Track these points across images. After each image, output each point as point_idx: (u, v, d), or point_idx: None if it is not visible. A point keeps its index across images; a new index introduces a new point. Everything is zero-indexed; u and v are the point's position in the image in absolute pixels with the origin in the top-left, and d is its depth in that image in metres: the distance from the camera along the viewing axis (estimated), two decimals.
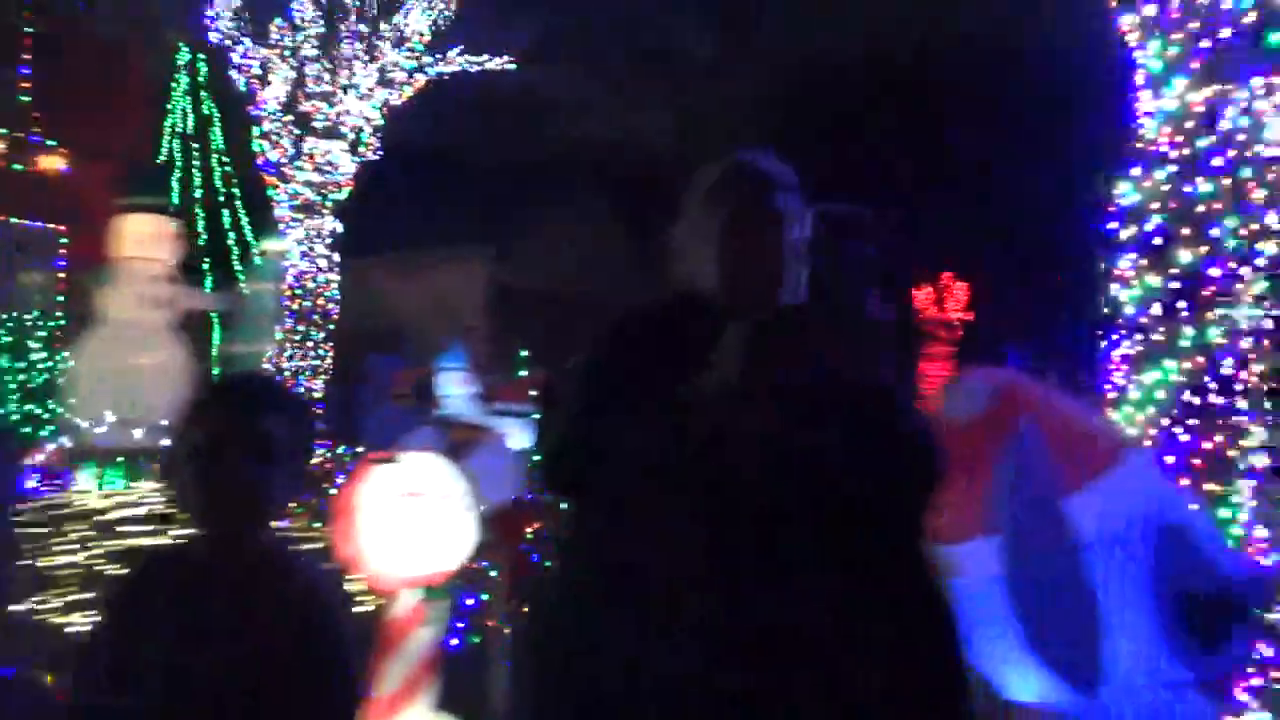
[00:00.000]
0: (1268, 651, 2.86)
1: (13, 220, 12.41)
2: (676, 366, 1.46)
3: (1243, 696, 3.17)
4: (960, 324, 27.06)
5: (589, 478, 1.46)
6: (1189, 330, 2.99)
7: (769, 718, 1.36)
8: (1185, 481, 3.06)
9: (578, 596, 1.49)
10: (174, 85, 12.98)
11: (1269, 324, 2.77)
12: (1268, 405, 2.77)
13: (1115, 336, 3.02)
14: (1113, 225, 3.04)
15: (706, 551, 1.38)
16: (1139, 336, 2.96)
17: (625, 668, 1.39)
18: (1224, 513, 3.12)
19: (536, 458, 1.56)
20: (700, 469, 1.40)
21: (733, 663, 1.35)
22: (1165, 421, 2.86)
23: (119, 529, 5.83)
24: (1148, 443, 2.87)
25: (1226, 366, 2.79)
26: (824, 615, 1.38)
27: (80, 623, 4.86)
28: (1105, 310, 3.25)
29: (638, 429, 1.41)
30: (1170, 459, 2.80)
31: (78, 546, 5.62)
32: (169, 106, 12.94)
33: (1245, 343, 2.82)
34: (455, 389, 6.91)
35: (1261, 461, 2.85)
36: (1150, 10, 3.07)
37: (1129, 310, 3.00)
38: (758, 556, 1.38)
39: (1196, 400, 2.89)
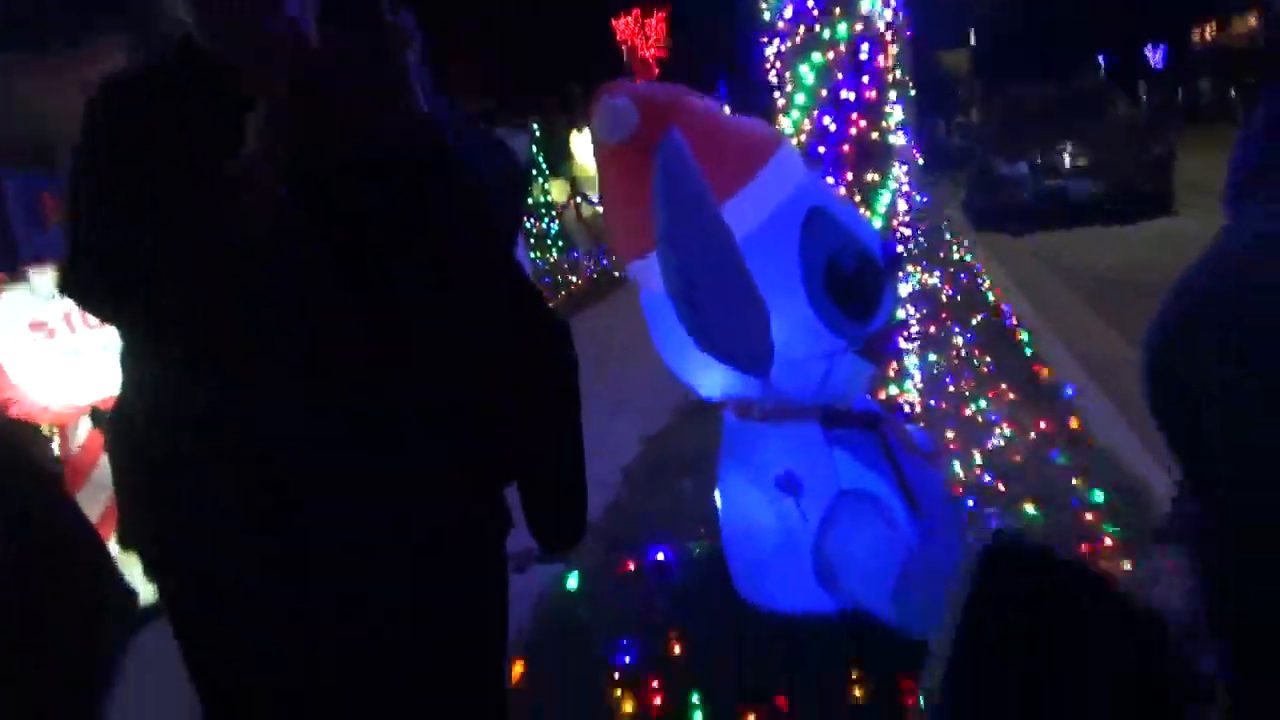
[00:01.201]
0: (914, 312, 3.25)
1: None
2: (197, 146, 1.17)
3: (904, 345, 3.63)
4: (658, 59, 27.12)
5: (113, 289, 1.20)
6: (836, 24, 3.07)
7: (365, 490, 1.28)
8: (847, 173, 3.28)
9: (131, 421, 1.32)
10: None
11: (889, 15, 2.90)
12: (892, 95, 2.95)
13: (765, 40, 3.06)
14: None
15: (287, 340, 1.21)
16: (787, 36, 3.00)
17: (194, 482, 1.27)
18: (885, 197, 3.41)
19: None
20: (244, 268, 1.15)
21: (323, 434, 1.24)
22: (818, 114, 2.98)
23: None
24: (803, 137, 3.01)
25: (864, 53, 2.92)
26: (422, 378, 1.28)
27: None
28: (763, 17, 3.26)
29: (159, 226, 1.14)
30: (823, 149, 2.96)
31: None
32: None
33: (881, 27, 2.95)
34: None
35: (900, 141, 3.08)
36: None
37: (770, 14, 3.01)
38: (339, 337, 1.22)
39: (846, 93, 3.02)
